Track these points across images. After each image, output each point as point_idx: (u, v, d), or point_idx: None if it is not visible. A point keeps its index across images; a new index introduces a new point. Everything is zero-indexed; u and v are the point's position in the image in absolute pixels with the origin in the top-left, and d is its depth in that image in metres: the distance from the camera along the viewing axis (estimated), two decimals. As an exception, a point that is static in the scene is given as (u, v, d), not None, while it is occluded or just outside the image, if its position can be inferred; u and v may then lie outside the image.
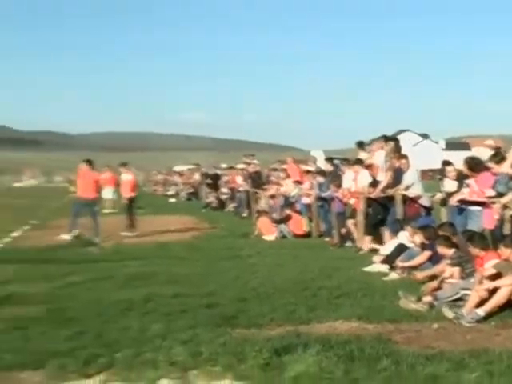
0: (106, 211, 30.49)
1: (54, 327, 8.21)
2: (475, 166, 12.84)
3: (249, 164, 30.56)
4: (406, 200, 14.74)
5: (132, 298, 9.86)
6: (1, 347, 7.31)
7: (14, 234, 21.79)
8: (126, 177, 22.85)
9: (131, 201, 22.10)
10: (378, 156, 16.39)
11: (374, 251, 14.49)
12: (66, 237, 19.06)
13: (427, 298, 9.39)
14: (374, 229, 15.80)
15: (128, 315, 8.88)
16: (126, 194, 22.21)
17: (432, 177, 47.07)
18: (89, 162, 20.81)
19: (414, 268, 11.74)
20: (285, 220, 20.17)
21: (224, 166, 40.69)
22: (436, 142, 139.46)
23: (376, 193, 15.63)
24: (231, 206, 32.46)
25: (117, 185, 25.56)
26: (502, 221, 11.56)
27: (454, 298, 9.27)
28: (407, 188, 14.81)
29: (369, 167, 16.51)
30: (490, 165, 12.45)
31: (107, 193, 33.19)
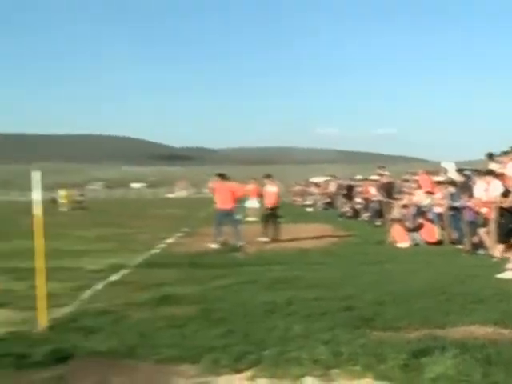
0: (250, 219, 30.76)
1: (207, 326, 8.27)
2: None
3: (381, 175, 30.36)
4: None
5: (275, 301, 9.80)
6: (161, 342, 7.42)
7: (169, 241, 22.20)
8: (271, 188, 22.94)
9: (274, 210, 22.19)
10: (510, 167, 16.10)
11: (507, 259, 14.01)
12: (213, 246, 19.40)
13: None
14: (506, 237, 15.33)
15: (272, 316, 8.84)
16: (269, 203, 22.31)
17: None
18: (221, 176, 21.10)
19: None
20: (417, 228, 19.81)
21: (359, 177, 40.38)
22: None
23: (508, 202, 15.17)
24: (365, 215, 32.15)
25: (260, 195, 25.75)
26: None
27: None
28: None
29: (500, 177, 16.11)
30: None
31: (252, 202, 33.52)
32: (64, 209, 52.90)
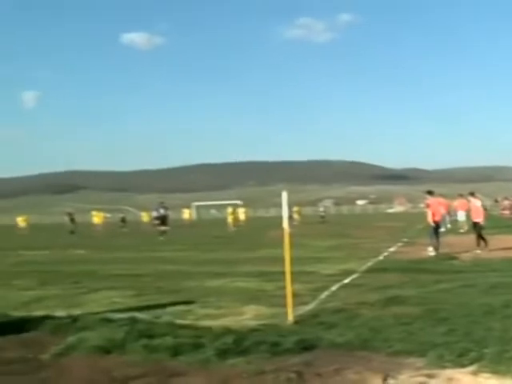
0: (461, 231, 29.79)
1: (431, 324, 8.01)
2: None
3: None
4: None
5: (493, 303, 9.29)
6: (391, 337, 7.29)
7: (391, 249, 21.90)
8: (475, 203, 22.09)
9: (478, 223, 21.37)
10: None
11: None
12: (432, 253, 19.11)
13: None
14: None
15: (490, 317, 8.37)
16: (475, 217, 21.51)
17: None
18: (429, 192, 21.09)
19: None
20: None
21: None
22: None
23: None
24: None
25: (468, 210, 24.97)
26: None
27: None
28: None
29: None
30: None
31: (460, 216, 32.66)
32: (295, 223, 53.96)
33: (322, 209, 73.45)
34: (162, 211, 39.64)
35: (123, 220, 60.99)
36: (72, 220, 50.71)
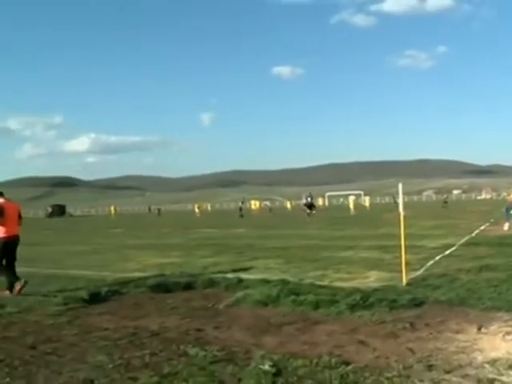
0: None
1: (516, 287, 7.56)
2: None
3: None
4: None
5: None
6: (483, 296, 7.01)
7: (481, 228, 20.74)
8: None
9: None
10: None
11: None
12: (506, 228, 18.15)
13: None
14: None
15: None
16: None
17: None
18: None
19: None
20: None
21: None
22: None
23: None
24: None
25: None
26: None
27: None
28: None
29: None
30: None
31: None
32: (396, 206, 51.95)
33: (445, 196, 64.79)
34: (309, 199, 40.67)
35: (270, 208, 61.85)
36: (241, 208, 51.91)
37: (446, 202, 54.31)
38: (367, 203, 57.12)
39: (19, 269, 9.28)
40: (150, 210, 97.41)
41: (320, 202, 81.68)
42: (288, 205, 77.92)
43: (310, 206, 39.67)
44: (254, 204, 74.43)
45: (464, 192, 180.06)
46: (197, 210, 65.55)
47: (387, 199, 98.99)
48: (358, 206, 48.65)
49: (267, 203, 54.73)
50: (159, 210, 77.67)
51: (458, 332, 5.51)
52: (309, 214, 37.45)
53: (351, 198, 50.98)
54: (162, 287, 8.68)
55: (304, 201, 42.03)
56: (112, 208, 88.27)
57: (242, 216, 46.43)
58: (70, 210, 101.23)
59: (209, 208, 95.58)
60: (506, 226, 18.38)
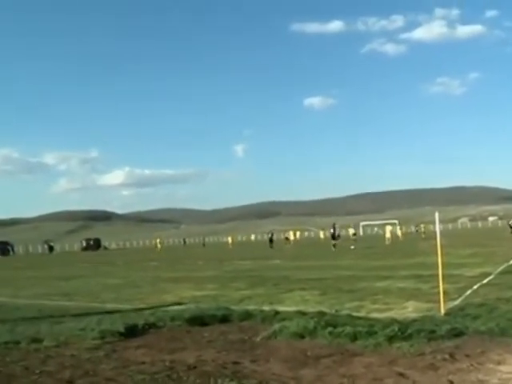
0: None
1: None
2: None
3: None
4: None
5: None
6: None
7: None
8: None
9: None
10: None
11: None
12: None
13: None
14: None
15: None
16: None
17: None
18: None
19: None
20: None
21: None
22: None
23: None
24: None
25: None
26: None
27: None
28: None
29: None
30: None
31: None
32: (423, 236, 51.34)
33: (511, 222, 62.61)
34: (331, 230, 39.40)
35: (287, 238, 62.08)
36: (271, 239, 51.89)
37: (417, 231, 53.16)
38: (399, 232, 56.41)
39: (57, 303, 9.43)
40: (184, 242, 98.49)
41: (350, 231, 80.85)
42: (321, 235, 77.39)
43: (334, 236, 38.55)
44: (294, 233, 74.49)
45: (500, 218, 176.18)
46: (230, 241, 66.19)
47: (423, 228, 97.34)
48: (393, 235, 47.96)
49: (355, 231, 51.20)
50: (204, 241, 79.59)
51: (499, 363, 5.36)
52: (334, 246, 36.39)
53: (388, 228, 50.45)
54: (198, 320, 8.69)
55: (332, 231, 40.89)
56: (158, 241, 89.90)
57: (272, 247, 46.45)
58: (104, 243, 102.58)
59: (243, 239, 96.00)
60: None
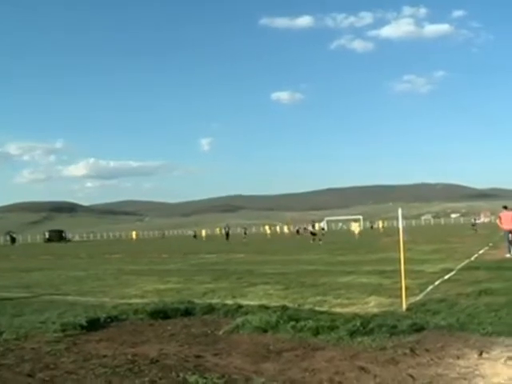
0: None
1: (515, 311, 7.53)
2: None
3: None
4: None
5: None
6: (484, 321, 6.92)
7: (480, 252, 20.74)
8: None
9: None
10: None
11: None
12: (508, 255, 17.94)
13: None
14: None
15: None
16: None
17: None
18: (505, 207, 19.94)
19: None
20: None
21: None
22: None
23: None
24: None
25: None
26: None
27: None
28: None
29: None
30: None
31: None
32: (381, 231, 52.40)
33: (473, 219, 64.34)
34: (310, 227, 43.16)
35: (245, 232, 62.66)
36: (227, 233, 55.03)
37: (474, 225, 54.10)
38: (357, 228, 57.22)
39: (17, 295, 9.23)
40: (163, 235, 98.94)
41: (316, 226, 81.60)
42: (286, 229, 77.87)
43: (312, 233, 41.07)
44: (269, 228, 75.35)
45: (463, 215, 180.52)
46: (202, 234, 66.70)
47: (386, 224, 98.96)
48: (361, 230, 48.66)
49: (323, 227, 52.13)
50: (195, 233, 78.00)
51: (458, 358, 5.47)
52: (314, 240, 38.43)
53: (354, 224, 51.26)
54: (161, 313, 8.61)
55: (310, 228, 43.40)
56: (134, 233, 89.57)
57: (227, 239, 51.16)
58: (68, 235, 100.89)
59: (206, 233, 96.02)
60: (508, 254, 18.08)
